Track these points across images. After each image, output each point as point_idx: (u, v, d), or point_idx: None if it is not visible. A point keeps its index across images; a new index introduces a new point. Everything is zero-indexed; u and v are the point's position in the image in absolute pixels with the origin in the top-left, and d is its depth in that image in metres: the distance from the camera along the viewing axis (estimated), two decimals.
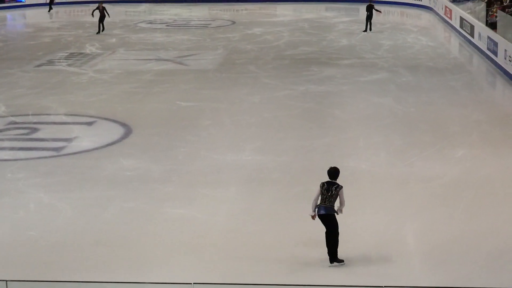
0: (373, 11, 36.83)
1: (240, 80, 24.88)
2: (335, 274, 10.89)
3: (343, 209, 11.13)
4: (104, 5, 36.51)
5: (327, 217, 11.04)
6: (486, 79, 26.21)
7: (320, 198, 11.13)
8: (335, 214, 11.05)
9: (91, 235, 12.33)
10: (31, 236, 12.30)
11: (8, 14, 48.07)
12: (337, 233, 11.06)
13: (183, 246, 11.91)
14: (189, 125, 19.18)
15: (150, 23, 41.96)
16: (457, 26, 34.73)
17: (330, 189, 11.09)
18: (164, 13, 46.63)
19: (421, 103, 21.32)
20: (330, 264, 11.06)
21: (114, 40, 34.69)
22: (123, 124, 19.18)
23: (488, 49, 27.60)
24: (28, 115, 20.28)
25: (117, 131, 18.64)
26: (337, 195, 11.07)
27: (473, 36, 30.76)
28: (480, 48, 29.16)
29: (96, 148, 17.29)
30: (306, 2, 50.50)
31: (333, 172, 11.32)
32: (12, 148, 17.36)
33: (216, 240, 12.16)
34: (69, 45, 33.28)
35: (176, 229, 12.59)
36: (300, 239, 12.05)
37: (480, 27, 29.65)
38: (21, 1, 50.73)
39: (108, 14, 36.59)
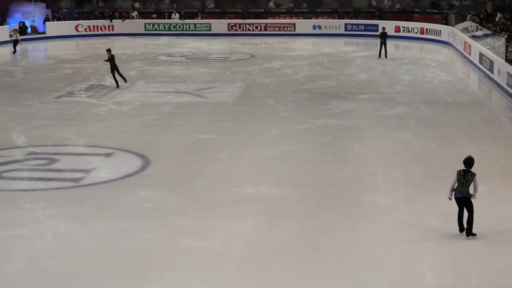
0: (387, 38, 39.26)
1: (259, 113, 24.92)
2: None
3: (476, 195, 13.20)
4: (113, 53, 30.90)
5: (464, 199, 13.21)
6: (505, 115, 26.08)
7: (457, 183, 13.21)
8: (470, 197, 13.18)
9: (108, 266, 12.31)
10: (49, 267, 12.29)
11: (30, 45, 48.55)
12: (472, 212, 13.14)
13: (200, 278, 11.86)
14: (207, 158, 19.19)
15: (170, 56, 42.25)
16: (477, 62, 34.71)
17: (466, 175, 13.16)
18: (183, 46, 46.97)
19: (440, 138, 21.25)
20: (466, 237, 13.21)
21: (133, 72, 34.90)
22: (141, 156, 19.23)
23: (508, 84, 27.53)
24: (47, 146, 20.37)
25: (135, 163, 18.68)
26: (471, 181, 13.14)
27: (492, 72, 30.72)
28: (499, 84, 29.10)
29: (114, 180, 17.31)
30: (325, 37, 50.74)
31: (469, 162, 13.31)
32: (31, 179, 17.40)
33: (232, 272, 12.11)
34: (89, 77, 33.53)
35: (193, 261, 12.54)
36: (317, 273, 11.99)
37: (500, 63, 29.61)
38: (42, 33, 51.26)
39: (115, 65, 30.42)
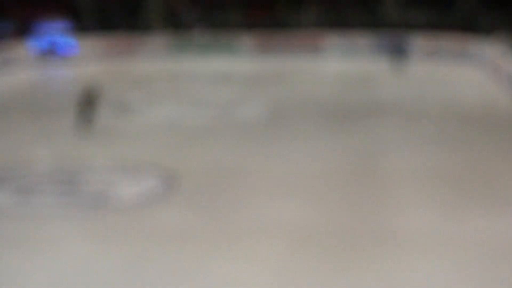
0: (402, 51, 42.36)
1: (286, 134, 24.71)
2: None
3: None
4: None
5: None
6: None
7: None
8: None
9: None
10: None
11: (55, 66, 48.86)
12: None
13: None
14: (233, 180, 18.96)
15: (196, 75, 42.32)
16: (509, 81, 34.32)
17: None
18: (211, 66, 47.04)
19: (473, 159, 20.87)
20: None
21: (161, 92, 35.00)
22: (166, 177, 19.05)
23: None
24: (71, 166, 20.26)
25: (161, 185, 18.51)
26: None
27: None
28: None
29: (139, 201, 17.13)
30: (353, 55, 50.51)
31: None
32: (54, 199, 17.27)
33: None
34: (115, 97, 33.48)
35: (219, 285, 12.28)
36: None
37: None
38: (67, 53, 51.57)
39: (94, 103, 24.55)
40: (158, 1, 56.86)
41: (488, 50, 41.78)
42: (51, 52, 51.03)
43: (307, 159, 21.10)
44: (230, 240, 14.53)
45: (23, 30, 51.14)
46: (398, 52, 42.01)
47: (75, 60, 50.55)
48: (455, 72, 43.85)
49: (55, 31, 52.13)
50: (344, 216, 16.01)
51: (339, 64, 47.33)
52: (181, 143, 23.40)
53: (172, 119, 27.88)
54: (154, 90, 35.46)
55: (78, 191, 18.05)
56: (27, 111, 30.33)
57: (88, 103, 23.70)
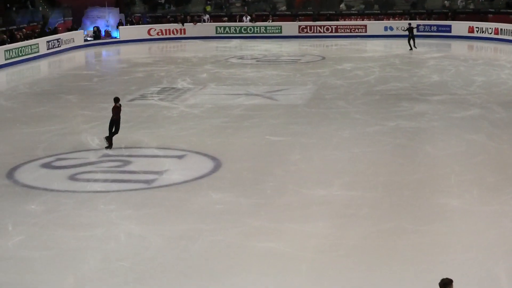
0: (413, 31, 43.82)
1: (330, 115, 24.81)
2: None
3: None
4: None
5: None
6: None
7: None
8: None
9: (180, 268, 12.41)
10: (122, 267, 12.46)
11: (104, 50, 49.35)
12: None
13: (271, 281, 11.85)
14: (278, 160, 19.18)
15: (241, 58, 42.41)
16: None
17: None
18: (254, 49, 47.08)
19: None
20: None
21: (205, 75, 35.17)
22: (212, 158, 19.34)
23: None
24: (121, 148, 20.63)
25: (207, 165, 18.79)
26: None
27: None
28: None
29: (186, 181, 17.44)
30: (397, 38, 50.19)
31: None
32: (105, 180, 17.67)
33: (304, 275, 12.07)
34: (161, 80, 33.88)
35: (264, 263, 12.56)
36: (390, 278, 11.86)
37: None
38: (115, 37, 52.07)
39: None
40: None
41: None
42: (101, 36, 51.61)
43: (352, 139, 21.23)
44: (276, 217, 14.80)
45: (76, 15, 51.92)
46: (409, 31, 43.51)
47: (124, 44, 51.08)
48: (501, 54, 43.38)
49: (105, 17, 52.67)
50: (389, 194, 16.18)
51: (385, 48, 47.08)
52: (228, 124, 23.64)
53: (219, 101, 28.11)
54: (201, 73, 35.67)
55: (129, 172, 18.47)
56: (79, 93, 30.79)
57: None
